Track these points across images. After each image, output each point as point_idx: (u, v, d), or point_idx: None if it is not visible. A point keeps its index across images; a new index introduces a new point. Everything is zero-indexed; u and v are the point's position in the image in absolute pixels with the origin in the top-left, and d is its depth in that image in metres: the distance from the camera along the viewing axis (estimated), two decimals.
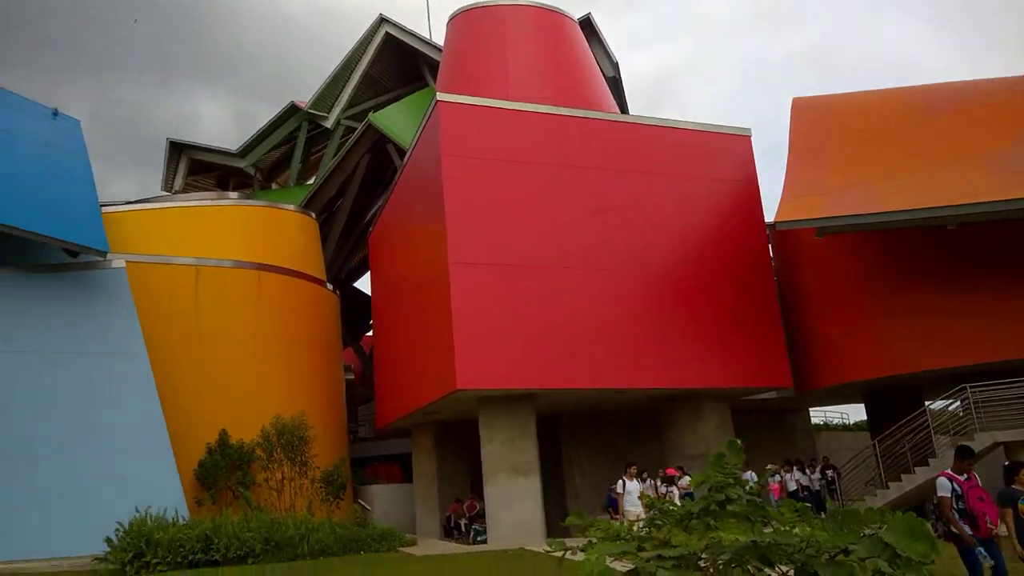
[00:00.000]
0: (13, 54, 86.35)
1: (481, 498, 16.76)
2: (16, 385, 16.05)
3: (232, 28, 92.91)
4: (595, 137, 18.07)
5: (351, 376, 28.56)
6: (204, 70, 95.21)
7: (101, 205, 19.07)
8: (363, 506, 19.99)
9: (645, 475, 15.52)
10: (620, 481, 14.16)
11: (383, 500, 21.71)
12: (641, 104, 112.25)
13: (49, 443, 15.77)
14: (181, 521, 14.47)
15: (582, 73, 23.82)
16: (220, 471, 17.99)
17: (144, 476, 16.03)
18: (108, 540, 13.45)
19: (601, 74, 25.79)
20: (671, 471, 15.62)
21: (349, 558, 13.95)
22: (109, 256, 17.46)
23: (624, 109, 29.81)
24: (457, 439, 20.23)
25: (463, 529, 17.72)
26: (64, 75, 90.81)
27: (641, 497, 11.72)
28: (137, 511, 14.08)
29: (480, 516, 17.02)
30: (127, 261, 18.12)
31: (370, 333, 33.25)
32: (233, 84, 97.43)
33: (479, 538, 16.13)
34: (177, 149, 32.84)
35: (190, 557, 13.27)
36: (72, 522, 14.95)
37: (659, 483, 15.66)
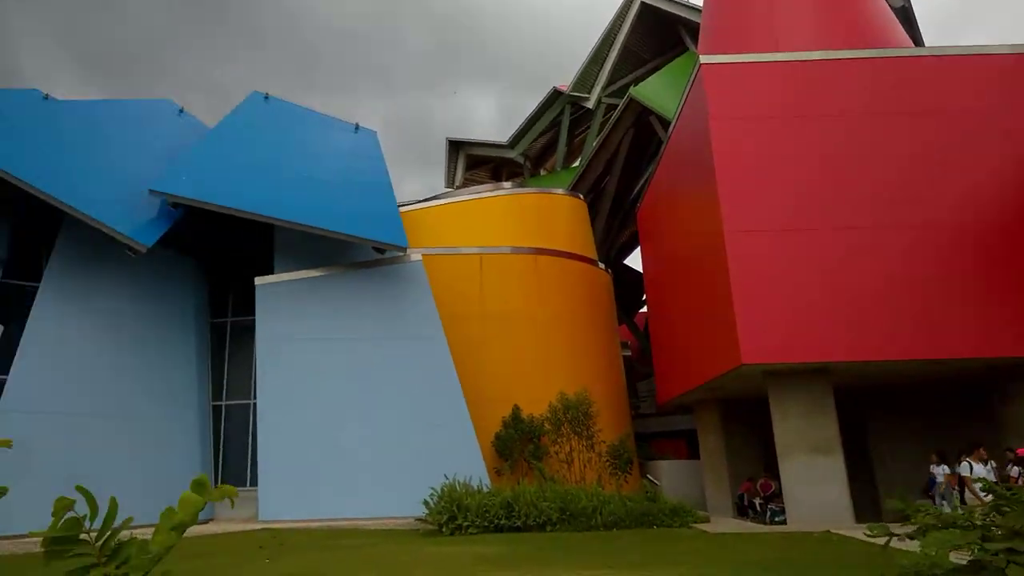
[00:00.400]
0: (320, 79, 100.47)
1: (775, 477, 15.86)
2: (348, 370, 18.65)
3: (497, 25, 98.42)
4: (884, 78, 15.95)
5: (628, 353, 28.80)
6: (475, 71, 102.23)
7: (398, 205, 21.37)
8: (652, 481, 20.06)
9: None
10: (965, 463, 12.61)
11: (670, 476, 21.60)
12: (938, 34, 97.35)
13: (375, 420, 18.14)
14: (485, 489, 15.74)
15: (862, 7, 21.20)
16: (515, 443, 19.24)
17: (450, 447, 17.72)
18: (425, 503, 15.08)
19: (886, 5, 22.74)
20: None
21: (642, 532, 14.06)
22: (408, 251, 19.48)
23: (918, 42, 26.05)
24: (745, 415, 19.36)
25: (758, 508, 16.94)
26: (361, 92, 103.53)
27: (977, 481, 10.15)
28: (447, 479, 15.61)
29: (776, 496, 16.13)
30: (423, 254, 20.08)
31: (644, 309, 33.23)
32: (502, 79, 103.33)
33: (777, 519, 15.28)
34: (456, 147, 35.65)
35: (495, 522, 14.36)
36: (395, 487, 17.09)
37: (985, 467, 13.46)
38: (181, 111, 24.89)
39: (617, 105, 28.15)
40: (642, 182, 28.53)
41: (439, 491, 15.19)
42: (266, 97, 24.34)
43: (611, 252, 33.18)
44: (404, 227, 19.65)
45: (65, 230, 18.18)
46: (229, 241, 21.75)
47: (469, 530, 14.19)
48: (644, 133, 27.72)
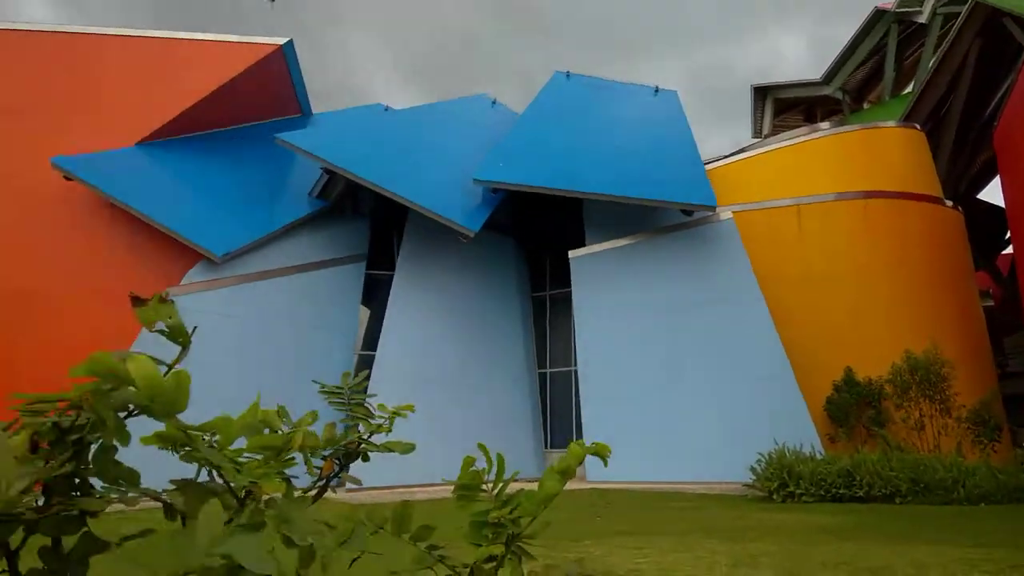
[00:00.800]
0: (615, 49, 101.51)
1: None
2: (664, 335, 18.79)
3: None
4: None
5: (989, 302, 24.69)
6: (776, 8, 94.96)
7: (703, 163, 20.80)
8: None
9: None
10: None
11: None
12: None
13: (695, 384, 18.05)
14: (818, 456, 14.78)
15: None
16: (850, 408, 17.72)
17: (775, 412, 16.93)
18: (753, 469, 14.63)
19: None
20: None
21: (1020, 508, 12.04)
22: (718, 210, 18.88)
23: None
24: None
25: None
26: (656, 55, 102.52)
27: None
28: (776, 444, 14.95)
29: None
30: (733, 212, 19.31)
31: (1008, 250, 28.17)
32: (807, 12, 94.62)
33: None
34: (761, 93, 33.53)
35: (832, 491, 13.42)
36: (719, 452, 16.87)
37: None
38: (494, 103, 27.00)
39: (957, 14, 23.99)
40: (997, 99, 24.05)
41: (767, 457, 14.62)
42: (568, 75, 25.31)
43: (960, 186, 28.57)
44: (711, 185, 19.09)
45: (410, 223, 20.95)
46: (543, 218, 23.18)
47: (802, 498, 13.47)
48: (996, 41, 23.26)
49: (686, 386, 18.06)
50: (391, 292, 20.00)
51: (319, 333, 19.38)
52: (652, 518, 11.09)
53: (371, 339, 20.43)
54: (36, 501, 0.99)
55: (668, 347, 18.59)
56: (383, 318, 19.58)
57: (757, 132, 34.04)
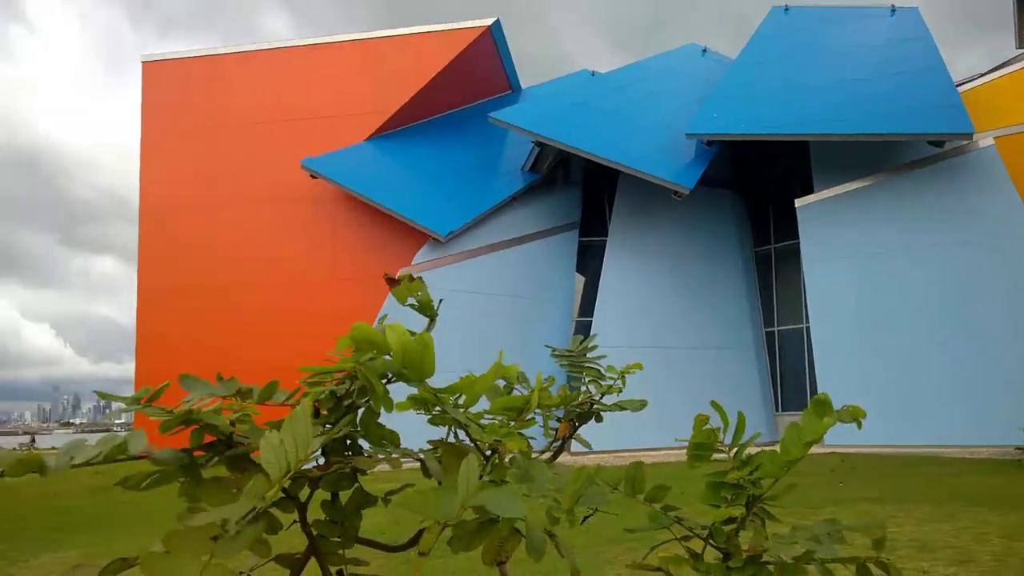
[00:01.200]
0: None
1: None
2: (912, 283, 16.92)
3: None
4: None
5: None
6: None
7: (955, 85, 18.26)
8: None
9: None
10: None
11: None
12: None
13: (955, 336, 16.10)
14: None
15: None
16: None
17: None
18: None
19: None
20: None
21: None
22: (975, 137, 16.52)
23: None
24: None
25: None
26: None
27: None
28: None
29: None
30: (994, 138, 16.80)
31: None
32: None
33: None
34: None
35: None
36: (982, 411, 15.03)
37: None
38: (704, 51, 25.71)
39: None
40: None
41: None
42: (786, 9, 23.41)
43: None
44: (966, 110, 16.72)
45: (621, 187, 20.78)
46: (763, 166, 21.82)
47: None
48: None
49: (944, 338, 16.17)
50: (605, 257, 20.07)
51: (537, 301, 20.03)
52: (903, 484, 10.17)
53: (587, 305, 20.70)
54: (316, 460, 1.15)
55: (917, 297, 16.75)
56: (598, 284, 19.72)
57: (1022, 42, 29.08)
